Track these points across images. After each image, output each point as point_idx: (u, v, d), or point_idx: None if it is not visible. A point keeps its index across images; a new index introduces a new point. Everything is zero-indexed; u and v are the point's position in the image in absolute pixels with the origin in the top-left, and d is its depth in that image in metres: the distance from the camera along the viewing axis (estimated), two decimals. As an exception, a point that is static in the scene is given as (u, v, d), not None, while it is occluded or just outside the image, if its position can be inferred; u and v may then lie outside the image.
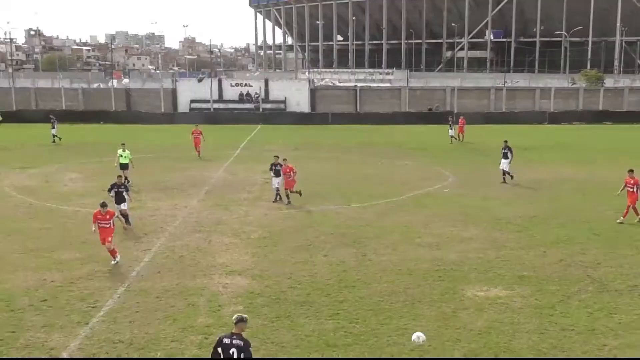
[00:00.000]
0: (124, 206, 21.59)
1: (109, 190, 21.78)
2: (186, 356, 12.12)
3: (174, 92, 69.04)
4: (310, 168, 35.01)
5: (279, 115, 64.95)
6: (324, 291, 15.66)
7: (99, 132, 53.23)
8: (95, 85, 73.67)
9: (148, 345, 12.62)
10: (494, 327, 13.51)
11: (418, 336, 12.30)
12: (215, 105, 66.89)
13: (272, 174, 25.95)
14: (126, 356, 12.14)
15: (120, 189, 21.73)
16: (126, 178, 27.61)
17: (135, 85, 73.68)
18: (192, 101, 68.04)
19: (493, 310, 14.46)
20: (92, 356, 12.14)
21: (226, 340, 9.64)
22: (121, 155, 28.91)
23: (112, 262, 17.57)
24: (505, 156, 30.25)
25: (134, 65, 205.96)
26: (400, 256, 18.59)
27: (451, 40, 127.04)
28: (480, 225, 22.18)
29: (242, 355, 9.47)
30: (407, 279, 16.57)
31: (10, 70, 79.64)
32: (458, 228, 21.86)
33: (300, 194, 25.69)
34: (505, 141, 30.71)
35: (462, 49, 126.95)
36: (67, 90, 68.62)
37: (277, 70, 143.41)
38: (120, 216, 19.29)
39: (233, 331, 9.74)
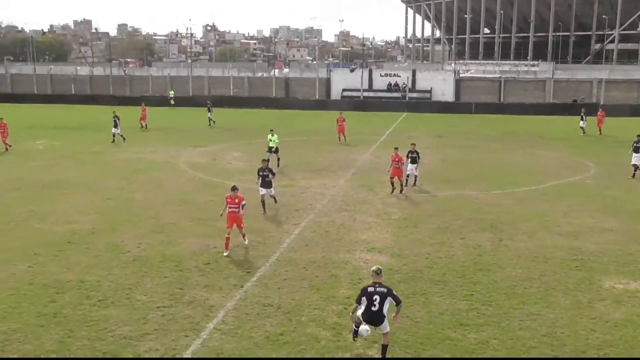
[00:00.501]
0: (271, 192, 20.83)
1: (258, 175, 20.83)
2: (327, 323, 12.29)
3: (328, 82, 70.07)
4: (452, 155, 34.20)
5: (424, 104, 63.90)
6: (459, 272, 15.24)
7: (261, 116, 55.31)
8: (259, 75, 76.51)
9: (294, 310, 12.95)
10: (631, 321, 12.44)
11: (366, 330, 10.70)
12: (365, 94, 67.10)
13: (409, 161, 24.92)
14: (274, 318, 12.54)
15: (265, 173, 20.67)
16: (278, 159, 28.56)
17: (294, 75, 75.65)
18: (344, 90, 68.71)
19: (632, 304, 13.31)
20: (245, 315, 12.67)
21: (370, 289, 10.41)
22: (270, 140, 29.72)
23: (224, 254, 16.35)
24: (636, 150, 27.51)
25: (293, 56, 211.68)
26: (536, 243, 17.64)
27: (601, 33, 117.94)
28: (622, 218, 20.49)
29: (385, 301, 10.24)
30: (543, 266, 15.69)
31: (189, 61, 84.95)
32: (598, 219, 20.35)
33: (401, 190, 23.81)
34: (639, 135, 27.96)
35: (612, 41, 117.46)
36: (235, 78, 71.91)
37: (425, 62, 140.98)
38: (243, 206, 16.85)
39: (374, 281, 10.47)
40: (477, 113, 60.05)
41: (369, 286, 10.53)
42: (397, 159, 23.72)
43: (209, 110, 48.54)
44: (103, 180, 26.57)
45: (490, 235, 18.38)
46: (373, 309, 10.36)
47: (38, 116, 54.25)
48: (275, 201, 21.31)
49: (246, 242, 17.09)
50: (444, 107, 62.37)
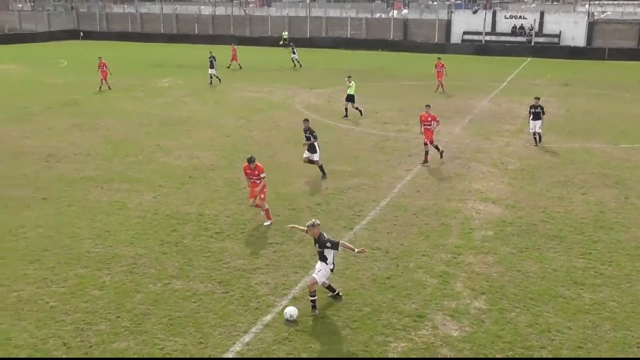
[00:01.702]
0: (315, 157, 18.37)
1: (307, 139, 18.38)
2: (435, 270, 12.27)
3: (448, 24, 67.58)
4: (579, 104, 32.24)
5: (550, 49, 60.16)
6: (577, 229, 14.58)
7: (377, 59, 54.63)
8: (377, 16, 74.88)
9: (402, 255, 13.02)
10: None
11: (291, 314, 10.40)
12: (487, 38, 64.11)
13: (531, 117, 22.92)
14: (382, 262, 12.68)
15: (307, 135, 18.28)
16: (357, 108, 27.87)
17: (413, 16, 73.35)
18: (465, 33, 66.01)
19: None
20: (353, 257, 12.90)
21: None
22: (349, 87, 28.19)
23: (265, 224, 14.77)
24: None
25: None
26: (667, 203, 16.45)
27: None
28: None
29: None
30: (673, 229, 14.65)
31: (308, 1, 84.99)
32: None
33: (441, 155, 20.66)
34: None
35: None
36: (352, 19, 71.04)
37: (555, 3, 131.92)
38: (262, 179, 14.77)
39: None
40: (611, 59, 55.77)
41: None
42: (427, 118, 20.23)
43: (293, 52, 48.26)
44: (223, 118, 27.60)
45: (615, 192, 17.35)
46: None
47: (164, 55, 56.81)
48: (323, 175, 18.54)
49: (267, 223, 14.76)
50: (573, 53, 58.42)
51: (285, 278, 11.94)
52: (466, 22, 67.06)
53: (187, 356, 9.43)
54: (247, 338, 9.90)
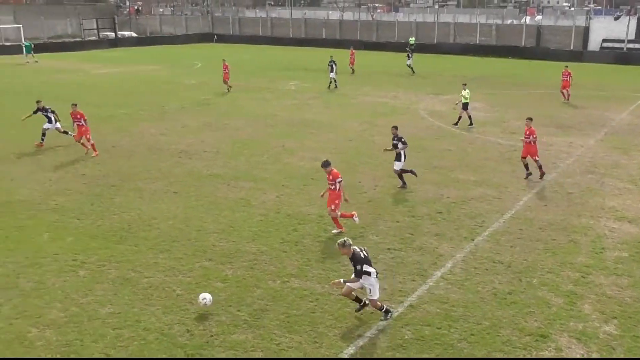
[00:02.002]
0: (396, 166, 17.68)
1: (394, 146, 17.65)
2: (561, 289, 11.68)
3: (585, 30, 64.04)
4: None
5: None
6: None
7: (507, 66, 52.91)
8: (508, 22, 72.48)
9: (525, 271, 12.50)
10: None
11: (204, 298, 10.83)
12: (630, 45, 60.10)
13: None
14: (504, 276, 12.24)
15: (394, 142, 17.52)
16: (469, 117, 26.79)
17: (547, 23, 70.22)
18: (604, 40, 62.24)
19: None
20: (473, 269, 12.57)
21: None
22: (463, 96, 26.91)
23: (334, 231, 14.43)
24: None
25: (548, 1, 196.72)
26: None
27: None
28: None
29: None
30: None
31: (436, 6, 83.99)
32: None
33: (541, 175, 18.90)
34: None
35: None
36: (482, 25, 69.25)
37: None
38: (339, 184, 14.28)
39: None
40: None
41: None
42: (526, 132, 18.71)
43: (409, 57, 47.32)
44: (346, 121, 27.90)
45: None
46: None
47: (292, 58, 58.40)
48: (404, 185, 17.87)
49: (335, 231, 14.43)
50: None
51: (402, 285, 11.86)
52: (606, 29, 63.17)
53: (302, 354, 9.61)
54: (361, 342, 9.93)
